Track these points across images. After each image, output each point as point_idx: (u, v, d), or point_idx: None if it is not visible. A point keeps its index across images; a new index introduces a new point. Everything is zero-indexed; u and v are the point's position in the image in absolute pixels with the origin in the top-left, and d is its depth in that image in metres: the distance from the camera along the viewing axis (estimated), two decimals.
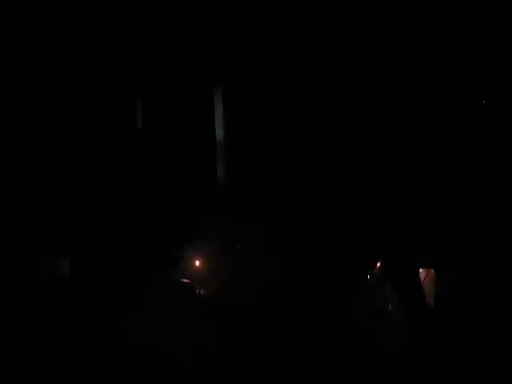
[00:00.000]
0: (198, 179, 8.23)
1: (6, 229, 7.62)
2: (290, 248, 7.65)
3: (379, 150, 7.81)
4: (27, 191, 7.90)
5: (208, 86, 8.37)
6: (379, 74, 7.80)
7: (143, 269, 7.57)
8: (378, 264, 7.21)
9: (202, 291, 7.58)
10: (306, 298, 7.10)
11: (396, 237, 7.37)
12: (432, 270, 7.20)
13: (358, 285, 7.11)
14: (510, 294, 6.90)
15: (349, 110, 7.92)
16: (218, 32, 8.18)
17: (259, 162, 8.15)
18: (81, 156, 8.13)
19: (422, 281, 7.17)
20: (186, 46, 8.27)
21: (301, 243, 7.67)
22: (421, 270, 7.20)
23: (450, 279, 7.15)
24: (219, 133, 8.33)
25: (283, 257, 7.56)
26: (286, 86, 8.10)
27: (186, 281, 7.67)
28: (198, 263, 7.81)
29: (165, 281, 7.52)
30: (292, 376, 6.30)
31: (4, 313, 6.78)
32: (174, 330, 6.73)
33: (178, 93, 8.41)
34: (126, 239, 7.84)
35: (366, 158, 7.83)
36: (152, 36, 8.24)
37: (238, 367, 6.36)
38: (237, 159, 8.28)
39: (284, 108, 8.12)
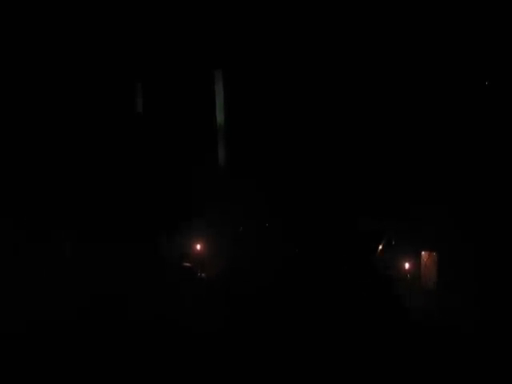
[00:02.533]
0: (198, 162, 8.25)
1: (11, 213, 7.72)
2: (288, 232, 7.70)
3: (380, 137, 7.85)
4: (29, 178, 7.96)
5: (209, 70, 8.38)
6: (379, 56, 7.83)
7: (145, 251, 7.65)
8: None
9: (203, 274, 7.64)
10: (304, 282, 7.16)
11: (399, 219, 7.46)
12: (433, 253, 7.30)
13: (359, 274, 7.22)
14: (509, 275, 6.97)
15: (346, 96, 7.94)
16: (218, 18, 8.18)
17: (260, 145, 8.16)
18: (82, 139, 8.14)
19: (424, 263, 7.28)
20: (187, 32, 8.28)
21: (299, 226, 7.72)
22: (423, 252, 7.29)
23: (450, 262, 7.22)
24: (220, 116, 8.35)
25: (282, 241, 7.63)
26: (286, 72, 8.12)
27: (187, 264, 7.73)
28: (198, 247, 7.86)
29: (167, 265, 7.58)
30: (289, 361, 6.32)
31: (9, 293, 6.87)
32: (176, 312, 6.78)
33: (178, 77, 8.42)
34: (127, 222, 7.88)
35: (365, 146, 7.87)
36: (153, 21, 8.24)
37: (238, 348, 6.39)
38: (237, 142, 8.29)
39: (284, 93, 8.14)
